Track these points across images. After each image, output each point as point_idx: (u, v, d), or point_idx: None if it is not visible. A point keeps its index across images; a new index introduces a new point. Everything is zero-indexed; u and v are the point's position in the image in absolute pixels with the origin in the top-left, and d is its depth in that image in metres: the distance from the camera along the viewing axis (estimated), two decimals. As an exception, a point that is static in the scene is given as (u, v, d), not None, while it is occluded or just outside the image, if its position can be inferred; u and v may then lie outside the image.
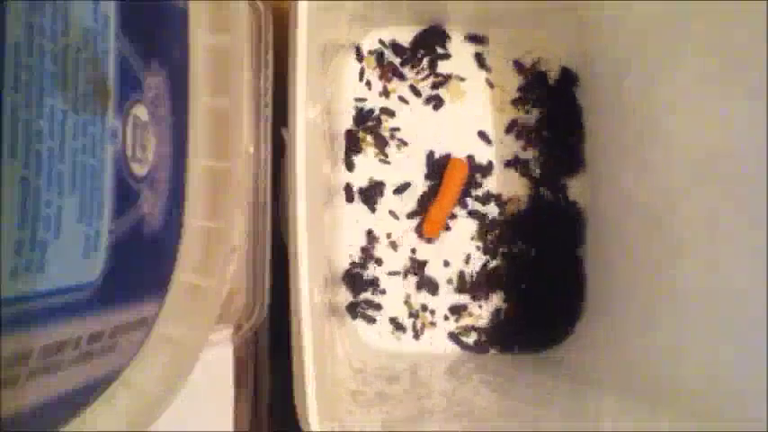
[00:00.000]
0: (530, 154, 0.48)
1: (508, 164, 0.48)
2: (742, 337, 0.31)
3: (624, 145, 0.42)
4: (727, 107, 0.33)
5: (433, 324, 0.47)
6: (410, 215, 0.47)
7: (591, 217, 0.47)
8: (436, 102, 0.48)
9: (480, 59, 0.48)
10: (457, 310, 0.47)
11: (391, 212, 0.47)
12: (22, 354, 0.18)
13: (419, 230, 0.47)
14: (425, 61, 0.48)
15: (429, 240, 0.47)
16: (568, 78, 0.48)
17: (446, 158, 0.47)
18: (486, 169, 0.47)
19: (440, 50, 0.48)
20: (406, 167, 0.47)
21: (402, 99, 0.48)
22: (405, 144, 0.47)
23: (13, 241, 0.17)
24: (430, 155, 0.47)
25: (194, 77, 0.29)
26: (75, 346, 0.21)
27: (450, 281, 0.47)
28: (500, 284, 0.47)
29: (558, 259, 0.47)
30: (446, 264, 0.47)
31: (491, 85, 0.48)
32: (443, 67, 0.48)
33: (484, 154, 0.48)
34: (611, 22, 0.43)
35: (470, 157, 0.47)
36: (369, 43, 0.48)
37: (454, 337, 0.47)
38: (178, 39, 0.28)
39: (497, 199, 0.47)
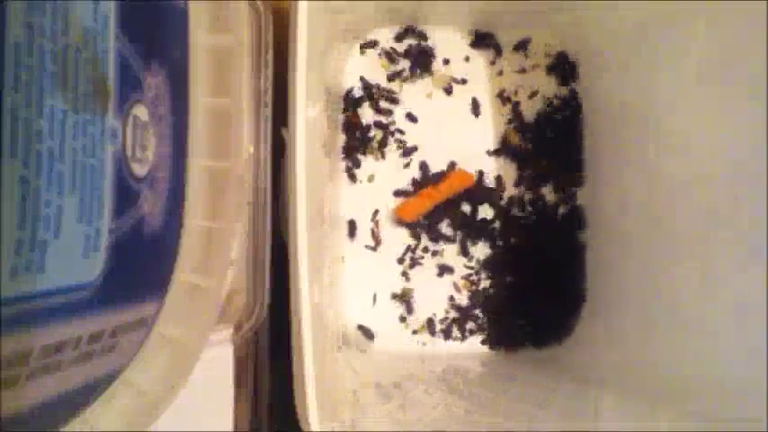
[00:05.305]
0: (530, 154, 0.48)
1: (508, 161, 0.48)
2: (742, 337, 0.31)
3: (624, 145, 0.42)
4: (727, 107, 0.33)
5: (432, 323, 0.47)
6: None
7: (591, 217, 0.47)
8: (436, 101, 0.48)
9: (479, 60, 0.48)
10: (456, 310, 0.47)
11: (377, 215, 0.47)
12: (22, 354, 0.18)
13: (396, 212, 0.47)
14: (423, 61, 0.48)
15: (409, 226, 0.47)
16: (568, 77, 0.48)
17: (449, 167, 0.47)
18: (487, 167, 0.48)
19: (434, 49, 0.48)
20: (404, 170, 0.47)
21: (395, 101, 0.48)
22: (403, 144, 0.47)
23: (13, 241, 0.17)
24: (424, 162, 0.47)
25: (194, 77, 0.29)
26: (75, 346, 0.21)
27: (450, 282, 0.47)
28: (500, 283, 0.47)
29: (558, 258, 0.47)
30: (446, 262, 0.47)
31: (490, 85, 0.48)
32: (440, 66, 0.48)
33: (483, 153, 0.48)
34: (611, 22, 0.43)
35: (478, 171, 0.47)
36: (369, 43, 0.48)
37: (453, 336, 0.47)
38: (178, 39, 0.28)
39: (497, 197, 0.47)
